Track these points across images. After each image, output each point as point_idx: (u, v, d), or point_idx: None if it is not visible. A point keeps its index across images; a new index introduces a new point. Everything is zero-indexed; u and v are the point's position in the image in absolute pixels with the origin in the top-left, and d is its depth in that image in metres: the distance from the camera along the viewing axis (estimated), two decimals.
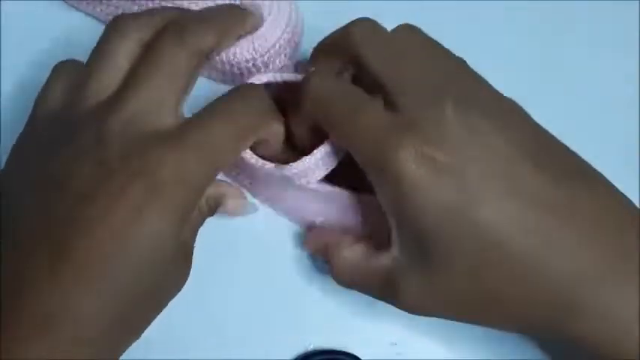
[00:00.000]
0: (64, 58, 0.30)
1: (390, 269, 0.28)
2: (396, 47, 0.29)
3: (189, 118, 0.27)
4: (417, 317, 0.34)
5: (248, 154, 0.30)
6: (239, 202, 0.31)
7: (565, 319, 0.25)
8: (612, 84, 0.38)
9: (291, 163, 0.30)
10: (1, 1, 0.40)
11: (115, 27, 0.27)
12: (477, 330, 0.34)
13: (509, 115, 0.27)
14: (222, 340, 0.34)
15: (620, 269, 0.25)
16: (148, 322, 0.26)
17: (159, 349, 0.33)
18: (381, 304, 0.35)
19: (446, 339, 0.34)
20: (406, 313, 0.34)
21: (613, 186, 0.27)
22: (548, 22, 0.39)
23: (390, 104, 0.27)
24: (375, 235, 0.31)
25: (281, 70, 0.37)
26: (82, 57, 0.29)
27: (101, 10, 0.38)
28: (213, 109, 0.27)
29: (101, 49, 0.27)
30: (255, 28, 0.34)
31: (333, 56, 0.31)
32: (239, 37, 0.32)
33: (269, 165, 0.31)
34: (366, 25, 0.29)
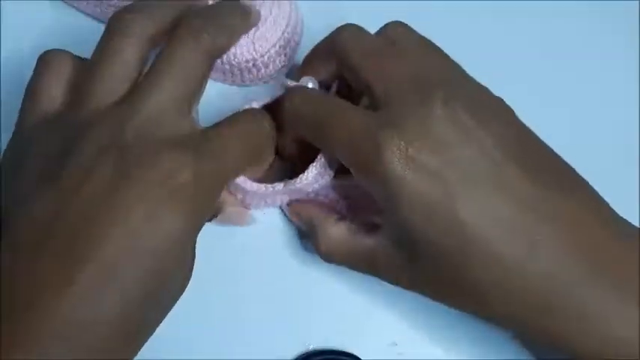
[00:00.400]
0: None
1: (375, 250, 0.29)
2: (382, 46, 0.29)
3: (207, 128, 0.26)
4: (417, 317, 0.34)
5: (248, 184, 0.31)
6: (238, 211, 0.31)
7: (542, 317, 0.25)
8: (612, 84, 0.38)
9: (300, 176, 0.30)
10: (1, 1, 0.40)
11: (118, 22, 0.26)
12: (477, 330, 0.35)
13: (496, 114, 0.27)
14: (222, 340, 0.34)
15: (597, 270, 0.25)
16: (158, 324, 0.26)
17: (159, 349, 0.33)
18: (381, 304, 0.35)
19: (446, 339, 0.34)
20: (406, 314, 0.35)
21: (593, 189, 0.27)
22: (548, 22, 0.39)
23: (374, 104, 0.27)
24: (358, 214, 0.32)
25: (280, 70, 0.37)
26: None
27: (101, 10, 0.38)
28: (230, 124, 0.27)
29: (106, 46, 0.26)
30: (255, 25, 0.33)
31: (322, 64, 0.31)
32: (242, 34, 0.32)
33: (278, 185, 0.31)
34: (350, 29, 0.30)
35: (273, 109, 0.31)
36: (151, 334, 0.26)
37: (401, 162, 0.25)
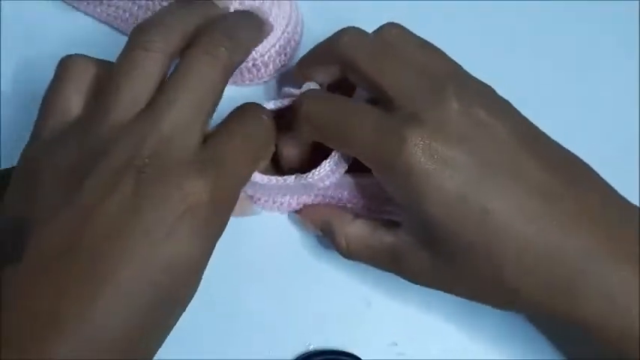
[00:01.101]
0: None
1: (396, 246, 0.29)
2: (384, 47, 0.29)
3: (208, 141, 0.26)
4: (417, 318, 0.34)
5: (258, 177, 0.31)
6: (243, 203, 0.31)
7: (566, 301, 0.26)
8: (612, 84, 0.38)
9: (312, 171, 0.30)
10: (1, 1, 0.40)
11: (141, 35, 0.26)
12: (477, 330, 0.35)
13: (505, 107, 0.28)
14: (222, 340, 0.34)
15: (619, 252, 0.26)
16: (164, 339, 0.26)
17: (159, 349, 0.33)
18: (381, 304, 0.35)
19: (446, 339, 0.34)
20: (406, 314, 0.34)
21: (600, 176, 0.28)
22: (548, 22, 0.39)
23: (387, 103, 0.27)
24: (372, 213, 0.33)
25: (280, 70, 0.37)
26: None
27: (101, 10, 0.38)
28: (231, 131, 0.27)
29: (127, 59, 0.26)
30: (268, 34, 0.33)
31: (322, 67, 0.31)
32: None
33: (290, 178, 0.31)
34: (352, 32, 0.30)
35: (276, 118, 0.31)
36: (160, 344, 0.26)
37: (424, 156, 0.26)
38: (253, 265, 0.35)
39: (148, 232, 0.23)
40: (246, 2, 0.35)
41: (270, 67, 0.36)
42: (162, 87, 0.25)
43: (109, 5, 0.37)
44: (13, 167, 0.28)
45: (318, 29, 0.38)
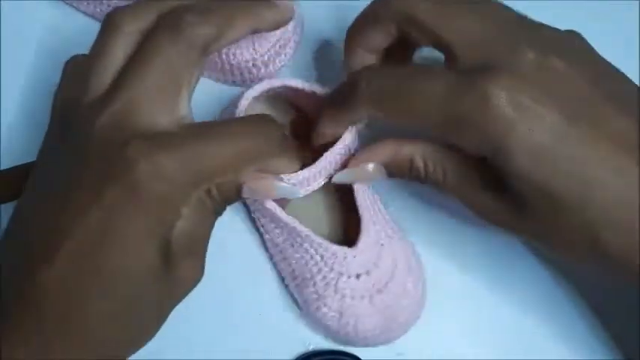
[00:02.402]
0: (64, 59, 0.29)
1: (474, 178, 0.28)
2: (444, 2, 0.28)
3: (191, 122, 0.26)
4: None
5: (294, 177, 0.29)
6: (260, 184, 0.27)
7: None
8: None
9: (336, 145, 0.30)
10: (1, 1, 0.40)
11: (111, 20, 0.26)
12: (477, 330, 0.35)
13: (582, 54, 0.27)
14: (223, 340, 0.34)
15: None
16: (150, 329, 0.26)
17: (158, 349, 0.33)
18: None
19: (446, 339, 0.34)
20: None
21: None
22: (548, 22, 0.39)
23: (453, 61, 0.27)
24: None
25: (280, 70, 0.37)
26: None
27: (101, 10, 0.38)
28: (220, 123, 0.26)
29: (98, 43, 0.26)
30: (282, 23, 0.30)
31: (376, 30, 0.30)
32: (253, 31, 0.28)
33: (320, 163, 0.30)
34: None
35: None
36: (144, 336, 0.26)
37: (508, 107, 0.25)
38: (253, 265, 0.35)
39: (85, 212, 0.23)
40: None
41: (270, 67, 0.36)
42: (124, 67, 0.26)
43: (108, 5, 0.37)
44: (18, 165, 0.28)
45: (318, 29, 0.38)
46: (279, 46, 0.36)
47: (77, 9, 0.39)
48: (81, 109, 0.25)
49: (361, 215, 0.31)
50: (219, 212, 0.27)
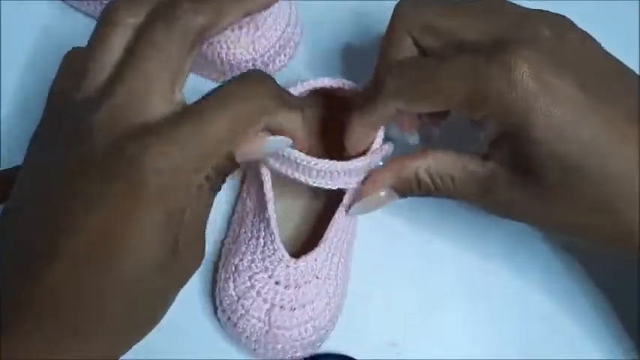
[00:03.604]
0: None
1: (481, 176, 0.28)
2: (452, 7, 0.29)
3: (184, 108, 0.25)
4: (415, 317, 0.34)
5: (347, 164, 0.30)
6: (249, 146, 0.27)
7: None
8: None
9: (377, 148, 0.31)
10: (1, 1, 0.40)
11: (107, 13, 0.26)
12: (476, 330, 0.35)
13: (584, 34, 0.28)
14: (222, 340, 0.34)
15: None
16: (155, 317, 0.26)
17: (159, 349, 0.33)
18: (381, 304, 0.35)
19: (445, 339, 0.34)
20: (406, 314, 0.34)
21: None
22: None
23: (474, 47, 0.28)
24: None
25: (280, 70, 0.37)
26: None
27: (101, 10, 0.38)
28: (208, 97, 0.26)
29: (95, 36, 0.26)
30: (265, 6, 0.30)
31: (399, 44, 0.30)
32: (245, 15, 0.28)
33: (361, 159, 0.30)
34: (405, 2, 0.30)
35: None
36: (146, 325, 0.26)
37: (531, 81, 0.26)
38: None
39: (90, 209, 0.23)
40: None
41: (270, 67, 0.36)
42: (121, 59, 0.25)
43: None
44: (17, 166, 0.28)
45: (318, 29, 0.38)
46: (279, 47, 0.36)
47: (77, 9, 0.39)
48: (77, 104, 0.25)
49: (323, 239, 0.32)
50: (217, 189, 0.26)
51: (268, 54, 0.36)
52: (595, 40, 0.28)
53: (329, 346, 0.34)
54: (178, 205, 0.24)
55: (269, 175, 0.31)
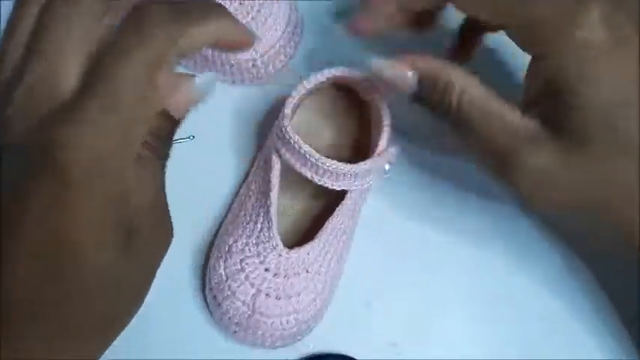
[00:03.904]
0: None
1: (517, 130, 0.26)
2: None
3: (88, 77, 0.23)
4: (414, 317, 0.34)
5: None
6: (181, 94, 0.24)
7: None
8: None
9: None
10: (1, 1, 0.40)
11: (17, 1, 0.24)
12: (476, 330, 0.35)
13: None
14: (222, 340, 0.34)
15: None
16: (136, 299, 0.24)
17: (159, 348, 0.33)
18: (381, 305, 0.35)
19: (445, 339, 0.34)
20: (405, 314, 0.34)
21: None
22: None
23: None
24: None
25: (280, 70, 0.37)
26: None
27: None
28: (110, 55, 0.23)
29: (10, 17, 0.24)
30: (245, 44, 0.26)
31: None
32: (213, 45, 0.25)
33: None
34: None
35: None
36: (117, 320, 0.24)
37: (606, 29, 0.24)
38: None
39: (18, 206, 0.22)
40: (246, 2, 0.35)
41: (270, 67, 0.36)
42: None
43: None
44: None
45: (318, 29, 0.38)
46: (279, 46, 0.36)
47: None
48: (1, 89, 0.23)
49: (319, 234, 0.32)
50: (164, 157, 0.25)
51: (268, 54, 0.36)
52: None
53: (330, 347, 0.34)
54: (116, 184, 0.22)
55: (279, 163, 0.32)
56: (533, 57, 0.26)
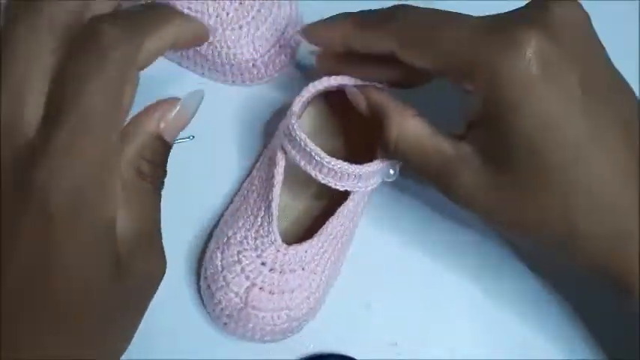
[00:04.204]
0: None
1: (453, 158, 0.28)
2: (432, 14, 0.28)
3: (51, 109, 0.22)
4: (414, 317, 0.34)
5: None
6: (174, 120, 0.25)
7: (622, 259, 0.25)
8: None
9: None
10: (1, 1, 0.40)
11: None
12: (476, 330, 0.35)
13: (597, 37, 0.27)
14: (223, 340, 0.34)
15: None
16: (129, 327, 0.25)
17: (159, 348, 0.33)
18: (381, 305, 0.35)
19: (445, 339, 0.35)
20: (406, 314, 0.34)
21: None
22: None
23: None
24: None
25: (281, 70, 0.37)
26: None
27: None
28: (71, 80, 0.22)
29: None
30: (201, 38, 0.28)
31: (377, 43, 0.29)
32: (173, 46, 0.25)
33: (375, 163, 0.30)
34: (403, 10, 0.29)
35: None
36: (120, 333, 0.25)
37: (535, 62, 0.24)
38: None
39: (11, 248, 0.22)
40: (246, 2, 0.35)
41: (270, 67, 0.36)
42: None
43: None
44: None
45: None
46: (279, 46, 0.36)
47: None
48: None
49: (318, 234, 0.32)
50: (158, 186, 0.24)
51: (269, 54, 0.36)
52: (601, 42, 0.27)
53: (330, 347, 0.34)
54: (100, 213, 0.22)
55: (284, 159, 0.32)
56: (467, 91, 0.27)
